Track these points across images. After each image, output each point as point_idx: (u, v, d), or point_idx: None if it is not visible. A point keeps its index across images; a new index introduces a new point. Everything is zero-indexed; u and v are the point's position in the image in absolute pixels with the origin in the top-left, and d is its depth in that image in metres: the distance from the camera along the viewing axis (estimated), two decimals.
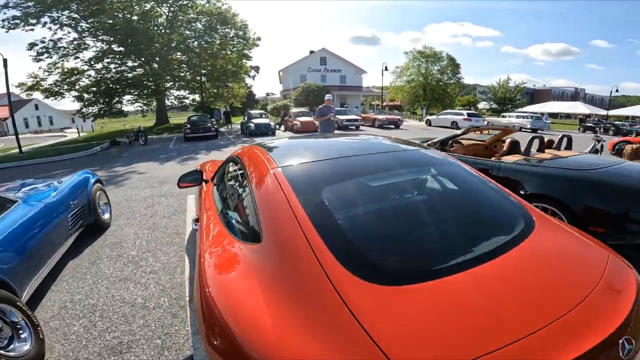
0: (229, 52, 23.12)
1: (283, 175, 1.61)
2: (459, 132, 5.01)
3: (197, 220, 2.70)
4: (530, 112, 28.66)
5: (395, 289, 1.08)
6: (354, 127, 18.94)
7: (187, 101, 27.08)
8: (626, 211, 2.77)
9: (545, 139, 4.38)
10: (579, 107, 49.52)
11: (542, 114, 28.51)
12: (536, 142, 4.24)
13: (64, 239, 3.17)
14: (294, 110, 19.70)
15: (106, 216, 4.31)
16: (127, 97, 23.51)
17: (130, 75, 22.36)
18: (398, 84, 37.75)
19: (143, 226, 4.30)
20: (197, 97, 26.24)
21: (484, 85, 48.03)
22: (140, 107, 24.84)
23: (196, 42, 22.22)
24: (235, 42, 22.67)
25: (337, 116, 19.26)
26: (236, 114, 37.39)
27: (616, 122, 30.39)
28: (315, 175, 1.72)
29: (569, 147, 4.47)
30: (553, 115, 40.32)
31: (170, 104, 27.48)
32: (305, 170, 1.74)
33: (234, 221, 1.79)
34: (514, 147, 4.17)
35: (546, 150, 4.22)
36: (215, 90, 25.17)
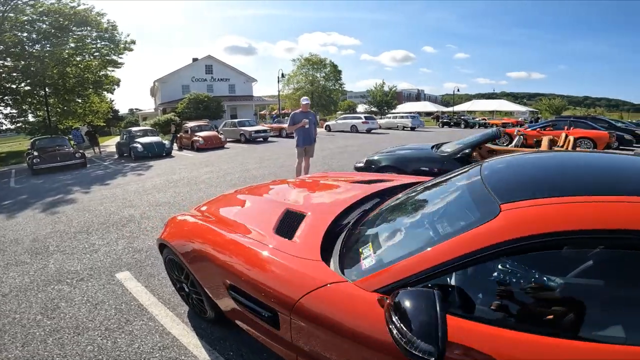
0: (89, 58, 18.17)
1: None
2: (477, 136, 4.63)
3: None
4: (406, 113, 32.58)
5: None
6: (261, 139, 17.33)
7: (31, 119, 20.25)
8: None
9: None
10: (427, 106, 59.45)
11: (414, 114, 32.59)
12: None
13: None
14: (191, 124, 16.77)
15: None
16: None
17: None
18: (287, 92, 37.59)
19: None
20: (38, 114, 19.91)
21: (356, 92, 52.95)
22: None
23: (38, 46, 16.60)
24: (98, 46, 17.91)
25: (243, 128, 17.36)
26: (101, 133, 30.49)
27: (462, 117, 37.49)
28: None
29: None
30: None
31: None
32: None
33: None
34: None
35: None
36: (63, 107, 19.48)
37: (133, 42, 18.42)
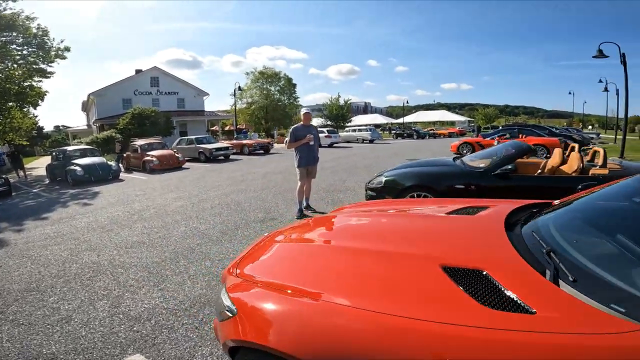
0: (12, 67, 15.45)
1: None
2: (512, 151, 4.33)
3: None
4: (364, 125, 33.25)
5: None
6: (223, 157, 16.08)
7: None
8: None
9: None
10: (377, 119, 61.86)
11: (371, 126, 33.45)
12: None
13: None
14: (140, 142, 14.98)
15: None
16: None
17: None
18: (239, 106, 36.27)
19: None
20: None
21: (306, 105, 53.04)
22: None
23: None
24: (24, 53, 15.30)
25: (202, 145, 16.03)
26: (24, 153, 26.33)
27: (414, 129, 39.45)
28: None
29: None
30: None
31: None
32: None
33: None
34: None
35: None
36: None
37: (67, 48, 16.10)
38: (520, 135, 14.94)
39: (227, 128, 41.15)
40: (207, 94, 32.22)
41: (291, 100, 40.43)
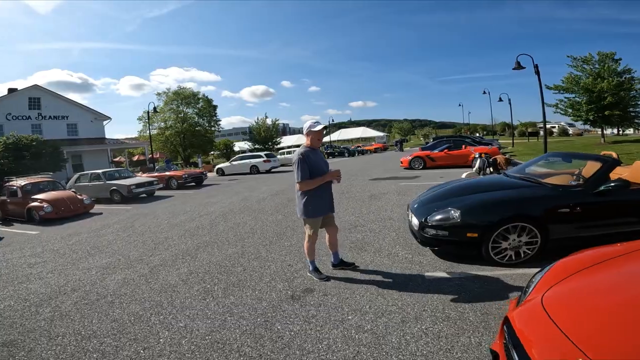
0: None
1: None
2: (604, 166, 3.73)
3: None
4: (297, 147, 32.01)
5: None
6: (145, 195, 12.73)
7: None
8: None
9: None
10: (302, 139, 61.95)
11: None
12: None
13: None
14: (20, 181, 10.78)
15: None
16: None
17: None
18: (152, 132, 31.51)
19: None
20: None
21: (222, 130, 49.86)
22: None
23: None
24: None
25: (116, 181, 12.56)
26: None
27: (344, 147, 40.01)
28: None
29: None
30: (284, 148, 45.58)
31: None
32: None
33: None
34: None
35: None
36: None
37: None
38: (462, 146, 15.47)
39: (135, 158, 35.46)
40: (109, 118, 26.94)
41: (212, 124, 37.09)
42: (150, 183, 12.94)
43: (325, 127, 3.52)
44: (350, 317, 2.78)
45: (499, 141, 27.88)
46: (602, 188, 3.51)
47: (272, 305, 3.10)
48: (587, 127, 33.99)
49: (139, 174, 16.66)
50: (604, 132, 24.66)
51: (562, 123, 46.24)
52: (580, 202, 3.51)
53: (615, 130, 26.60)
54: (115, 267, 4.73)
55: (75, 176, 14.08)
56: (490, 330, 2.46)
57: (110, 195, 12.29)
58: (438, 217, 3.79)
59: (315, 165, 3.35)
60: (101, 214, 9.98)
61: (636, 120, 24.06)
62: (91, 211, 10.40)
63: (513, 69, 14.56)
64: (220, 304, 3.22)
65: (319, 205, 3.40)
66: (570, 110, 23.78)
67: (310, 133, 3.41)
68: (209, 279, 3.91)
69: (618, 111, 21.22)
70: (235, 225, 6.65)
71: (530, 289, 1.79)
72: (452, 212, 3.71)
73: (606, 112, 21.55)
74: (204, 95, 34.08)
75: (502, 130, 63.52)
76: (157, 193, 13.49)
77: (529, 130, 43.39)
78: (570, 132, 47.11)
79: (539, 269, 2.04)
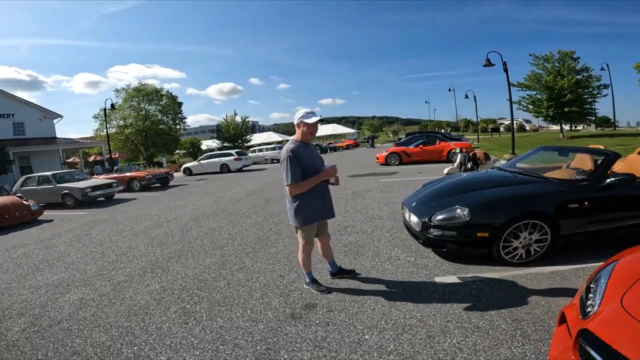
0: None
1: None
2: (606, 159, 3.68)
3: None
4: (267, 144, 31.31)
5: None
6: (103, 199, 11.57)
7: None
8: None
9: None
10: (273, 136, 61.01)
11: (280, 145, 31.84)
12: None
13: None
14: None
15: None
16: None
17: None
18: (110, 131, 29.25)
19: None
20: None
21: (188, 129, 47.64)
22: None
23: None
24: None
25: (69, 184, 11.34)
26: None
27: (315, 144, 39.60)
28: None
29: None
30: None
31: None
32: None
33: None
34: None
35: None
36: None
37: None
38: (437, 142, 15.64)
39: (91, 159, 32.83)
40: (60, 116, 24.55)
41: (177, 122, 35.18)
42: (109, 185, 11.75)
43: (320, 120, 2.96)
44: (367, 337, 2.36)
45: (465, 137, 28.85)
46: (608, 182, 3.42)
47: (271, 327, 2.60)
48: (542, 123, 36.20)
49: (96, 176, 15.20)
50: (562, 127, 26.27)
51: (519, 119, 49.07)
52: (588, 197, 3.40)
53: (568, 127, 28.48)
54: (70, 285, 3.98)
55: (21, 179, 12.51)
56: (528, 339, 2.17)
57: (62, 199, 11.00)
58: (443, 216, 3.49)
59: (309, 164, 2.82)
60: (52, 221, 8.83)
61: (589, 117, 25.84)
62: (40, 218, 9.20)
63: (483, 65, 14.95)
64: (206, 329, 2.67)
65: (313, 209, 2.89)
66: (531, 107, 25.05)
67: (301, 124, 2.85)
68: (188, 297, 3.32)
69: (576, 107, 22.62)
70: (210, 230, 6.01)
71: (598, 295, 1.63)
72: (459, 210, 3.42)
73: (565, 109, 22.89)
74: (167, 91, 32.20)
75: (465, 126, 66.36)
76: (117, 196, 12.33)
77: (491, 126, 45.49)
78: (527, 128, 50.12)
79: (593, 272, 1.74)
